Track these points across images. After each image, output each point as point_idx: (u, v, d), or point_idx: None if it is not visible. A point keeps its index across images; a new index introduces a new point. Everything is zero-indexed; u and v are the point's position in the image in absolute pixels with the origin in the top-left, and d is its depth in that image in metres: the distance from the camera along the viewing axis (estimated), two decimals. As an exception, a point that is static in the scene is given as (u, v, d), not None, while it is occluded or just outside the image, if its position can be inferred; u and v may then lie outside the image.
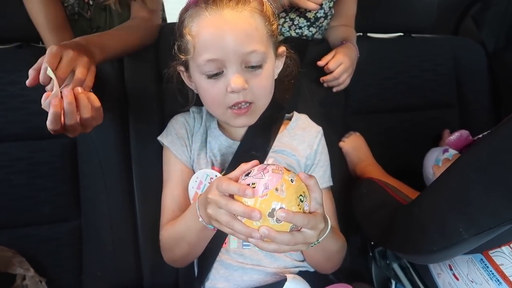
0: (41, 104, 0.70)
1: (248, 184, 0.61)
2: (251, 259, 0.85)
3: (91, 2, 1.06)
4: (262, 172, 0.62)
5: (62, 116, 0.68)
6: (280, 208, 0.59)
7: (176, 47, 0.81)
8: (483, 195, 0.63)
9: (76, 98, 0.69)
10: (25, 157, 0.95)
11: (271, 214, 0.59)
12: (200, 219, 0.72)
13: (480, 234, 0.62)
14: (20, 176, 0.95)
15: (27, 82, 0.70)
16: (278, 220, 0.59)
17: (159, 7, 1.04)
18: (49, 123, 0.68)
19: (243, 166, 0.66)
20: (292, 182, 0.62)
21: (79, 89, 0.71)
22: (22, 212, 0.96)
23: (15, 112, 0.94)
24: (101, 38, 0.87)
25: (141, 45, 0.99)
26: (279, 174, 0.62)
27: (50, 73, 0.69)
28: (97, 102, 0.72)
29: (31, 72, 0.70)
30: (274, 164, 0.64)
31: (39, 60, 0.71)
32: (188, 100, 0.93)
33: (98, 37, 0.87)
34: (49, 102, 0.68)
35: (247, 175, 0.64)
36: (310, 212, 0.63)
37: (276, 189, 0.60)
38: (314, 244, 0.65)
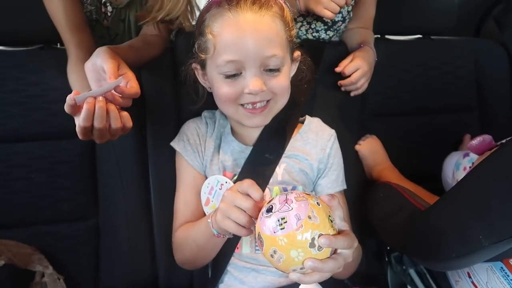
0: (61, 105, 0.71)
1: (278, 220, 0.57)
2: (265, 262, 0.84)
3: (108, 13, 1.08)
4: (286, 204, 0.58)
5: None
6: (319, 235, 0.56)
7: (196, 46, 0.82)
8: (503, 202, 0.62)
9: (107, 109, 0.71)
10: (46, 156, 0.97)
11: (312, 245, 0.56)
12: (209, 220, 0.73)
13: (500, 242, 0.61)
14: (41, 174, 0.97)
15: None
16: (319, 248, 0.56)
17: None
18: (81, 121, 0.69)
19: (248, 182, 0.66)
20: (319, 205, 0.59)
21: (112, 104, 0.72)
22: (42, 210, 0.98)
23: (36, 112, 0.96)
24: (125, 52, 0.86)
25: (149, 60, 1.01)
26: (305, 200, 0.58)
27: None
28: (129, 123, 0.74)
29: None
30: (292, 192, 0.61)
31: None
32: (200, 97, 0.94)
33: (123, 51, 0.86)
34: (70, 104, 0.69)
35: (269, 210, 0.59)
36: (339, 231, 0.61)
37: (309, 217, 0.56)
38: None
